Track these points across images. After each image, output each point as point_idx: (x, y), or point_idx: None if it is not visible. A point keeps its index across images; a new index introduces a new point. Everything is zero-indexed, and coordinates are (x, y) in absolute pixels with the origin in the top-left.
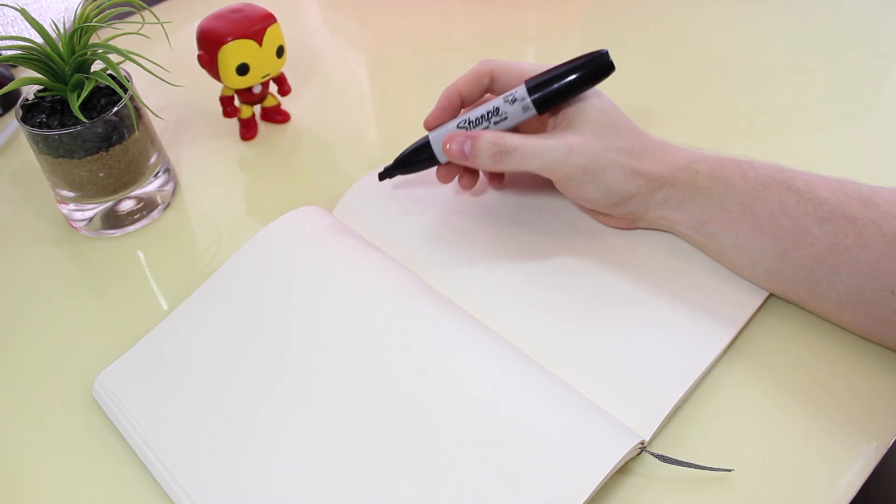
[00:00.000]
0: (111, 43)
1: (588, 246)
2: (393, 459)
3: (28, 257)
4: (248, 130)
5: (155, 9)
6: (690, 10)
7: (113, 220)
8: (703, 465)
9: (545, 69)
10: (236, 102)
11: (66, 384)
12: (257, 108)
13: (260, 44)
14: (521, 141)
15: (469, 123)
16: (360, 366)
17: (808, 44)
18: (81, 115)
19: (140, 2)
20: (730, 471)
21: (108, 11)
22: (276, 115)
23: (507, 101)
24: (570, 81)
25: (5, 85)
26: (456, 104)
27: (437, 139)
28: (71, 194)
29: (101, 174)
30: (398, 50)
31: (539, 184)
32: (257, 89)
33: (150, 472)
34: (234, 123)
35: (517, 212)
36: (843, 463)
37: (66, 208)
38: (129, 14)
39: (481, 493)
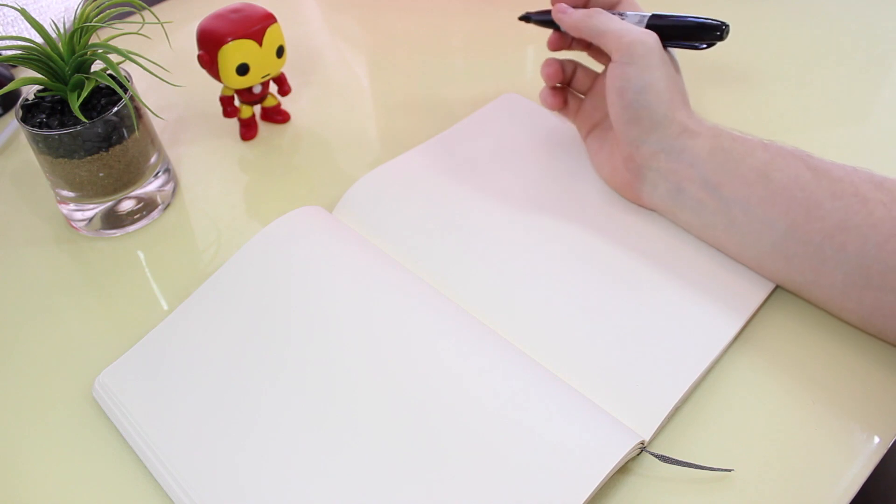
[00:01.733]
0: (111, 43)
1: (588, 246)
2: (392, 460)
3: (28, 257)
4: (248, 130)
5: (155, 9)
6: (691, 9)
7: (113, 220)
8: (703, 465)
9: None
10: (236, 102)
11: (66, 384)
12: (257, 108)
13: (260, 44)
14: (608, 14)
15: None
16: (360, 366)
17: (808, 44)
18: (81, 115)
19: (140, 2)
20: (730, 471)
21: (108, 11)
22: (276, 115)
23: (634, 16)
24: (684, 32)
25: (5, 85)
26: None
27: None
28: (71, 194)
29: (101, 174)
30: (398, 50)
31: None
32: (257, 89)
33: (150, 472)
34: (234, 123)
35: (517, 212)
36: (843, 463)
37: (66, 208)
38: (129, 14)
39: (481, 493)
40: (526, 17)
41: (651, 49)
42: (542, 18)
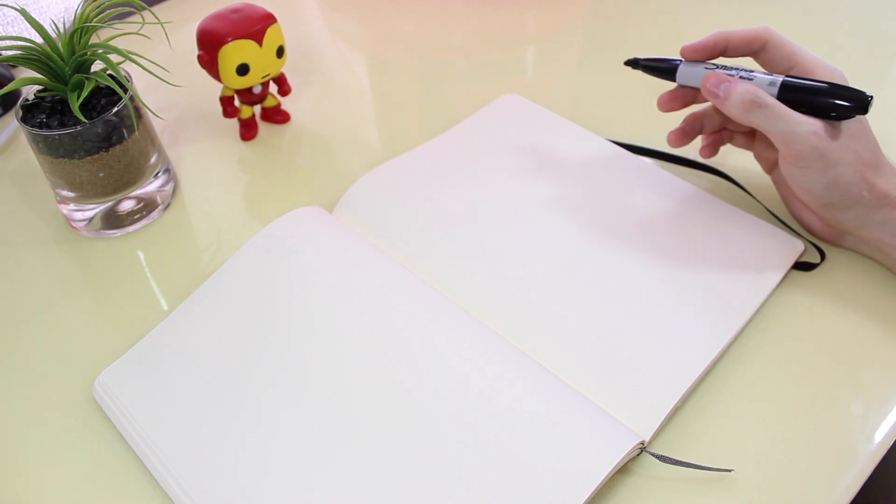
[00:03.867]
0: (111, 43)
1: (587, 246)
2: (392, 460)
3: (28, 257)
4: (248, 130)
5: (155, 9)
6: (691, 9)
7: (113, 220)
8: (703, 465)
9: (814, 64)
10: (236, 102)
11: (66, 384)
12: (257, 109)
13: (260, 44)
14: (773, 101)
15: (718, 68)
16: (360, 366)
17: (808, 43)
18: (81, 115)
19: (140, 2)
20: (730, 471)
21: (108, 11)
22: (276, 115)
23: (764, 78)
24: (820, 104)
25: (5, 85)
26: (719, 47)
27: (684, 70)
28: (71, 194)
29: (101, 174)
30: (398, 50)
31: None
32: (257, 89)
33: (150, 472)
34: (234, 123)
35: (517, 213)
36: (843, 463)
37: (66, 208)
38: (129, 14)
39: (481, 493)
40: (633, 63)
41: (823, 151)
42: (657, 66)
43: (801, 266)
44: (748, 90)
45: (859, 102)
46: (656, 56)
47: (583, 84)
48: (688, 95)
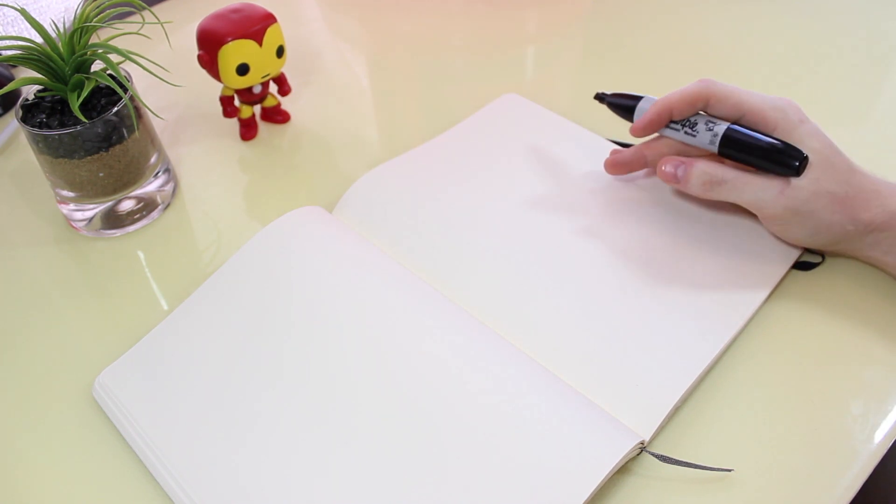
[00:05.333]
0: (111, 43)
1: (587, 246)
2: (392, 460)
3: (28, 257)
4: (248, 130)
5: (155, 9)
6: (691, 9)
7: (113, 220)
8: (703, 465)
9: (763, 108)
10: (236, 102)
11: (66, 384)
12: (257, 108)
13: (260, 44)
14: (732, 174)
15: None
16: (360, 366)
17: (808, 43)
18: (81, 115)
19: (140, 2)
20: (730, 471)
21: (108, 11)
22: (276, 115)
23: (707, 126)
24: (755, 160)
25: (5, 85)
26: (664, 117)
27: (640, 110)
28: (71, 194)
29: (101, 174)
30: (398, 50)
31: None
32: (257, 89)
33: (150, 472)
34: (234, 123)
35: (517, 213)
36: (843, 463)
37: (66, 208)
38: (129, 14)
39: (481, 493)
40: (600, 98)
41: (796, 209)
42: (620, 104)
43: (801, 266)
44: (704, 171)
45: (790, 168)
46: (621, 94)
47: (583, 84)
48: (640, 163)
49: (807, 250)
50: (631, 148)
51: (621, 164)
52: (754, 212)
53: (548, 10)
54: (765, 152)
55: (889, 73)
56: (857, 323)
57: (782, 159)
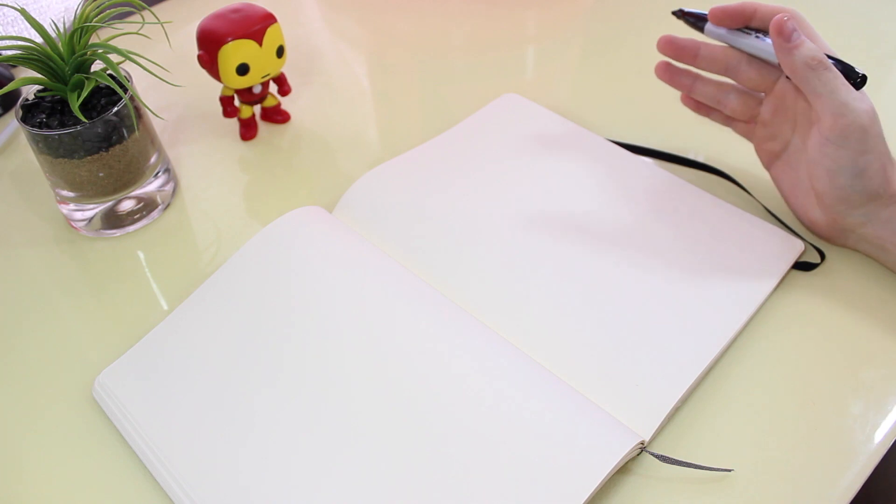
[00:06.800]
0: (111, 43)
1: (587, 246)
2: (392, 460)
3: (28, 257)
4: (248, 130)
5: (155, 9)
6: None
7: (113, 220)
8: (703, 465)
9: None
10: (236, 102)
11: (66, 384)
12: (257, 108)
13: (260, 44)
14: (835, 70)
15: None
16: (359, 366)
17: None
18: (81, 115)
19: (140, 2)
20: (730, 471)
21: (108, 11)
22: (276, 115)
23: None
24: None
25: (5, 85)
26: (748, 14)
27: (710, 26)
28: (71, 194)
29: (101, 174)
30: (398, 50)
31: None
32: (257, 89)
33: (150, 472)
34: (234, 123)
35: (517, 213)
36: (843, 463)
37: (66, 208)
38: (129, 14)
39: (481, 493)
40: (679, 13)
41: (868, 133)
42: (698, 15)
43: (801, 266)
44: (815, 48)
45: (853, 78)
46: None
47: (583, 84)
48: (690, 54)
49: (810, 244)
50: (690, 38)
51: (674, 45)
52: (830, 117)
53: (548, 10)
54: (835, 62)
55: (889, 73)
56: (857, 323)
57: (849, 70)
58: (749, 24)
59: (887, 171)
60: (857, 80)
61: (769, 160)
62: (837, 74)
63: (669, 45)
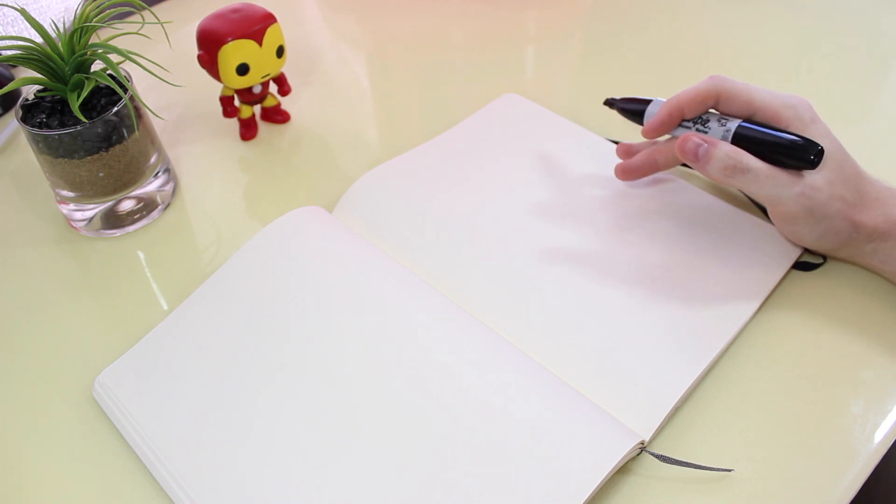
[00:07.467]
0: (111, 43)
1: (587, 246)
2: (392, 460)
3: (28, 257)
4: (248, 130)
5: (155, 9)
6: (690, 9)
7: (113, 220)
8: (703, 465)
9: (775, 106)
10: (236, 102)
11: (66, 384)
12: (257, 108)
13: (260, 44)
14: (756, 164)
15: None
16: (359, 366)
17: (808, 44)
18: (81, 115)
19: (140, 2)
20: (730, 471)
21: (108, 11)
22: (276, 115)
23: (720, 123)
24: (771, 154)
25: (5, 85)
26: (675, 117)
27: (650, 113)
28: (71, 194)
29: (101, 174)
30: (398, 50)
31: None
32: (257, 89)
33: (150, 472)
34: (234, 123)
35: (517, 213)
36: (843, 463)
37: (66, 208)
38: (129, 14)
39: (481, 493)
40: (610, 103)
41: (812, 210)
42: (630, 108)
43: (802, 266)
44: (728, 154)
45: (807, 161)
46: (630, 98)
47: (583, 84)
48: (650, 167)
49: (807, 251)
50: (641, 153)
51: (632, 171)
52: (767, 206)
53: (548, 10)
54: (781, 146)
55: (889, 73)
56: (857, 323)
57: (799, 152)
58: (684, 119)
59: (855, 219)
60: (812, 161)
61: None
62: (759, 170)
63: (627, 173)
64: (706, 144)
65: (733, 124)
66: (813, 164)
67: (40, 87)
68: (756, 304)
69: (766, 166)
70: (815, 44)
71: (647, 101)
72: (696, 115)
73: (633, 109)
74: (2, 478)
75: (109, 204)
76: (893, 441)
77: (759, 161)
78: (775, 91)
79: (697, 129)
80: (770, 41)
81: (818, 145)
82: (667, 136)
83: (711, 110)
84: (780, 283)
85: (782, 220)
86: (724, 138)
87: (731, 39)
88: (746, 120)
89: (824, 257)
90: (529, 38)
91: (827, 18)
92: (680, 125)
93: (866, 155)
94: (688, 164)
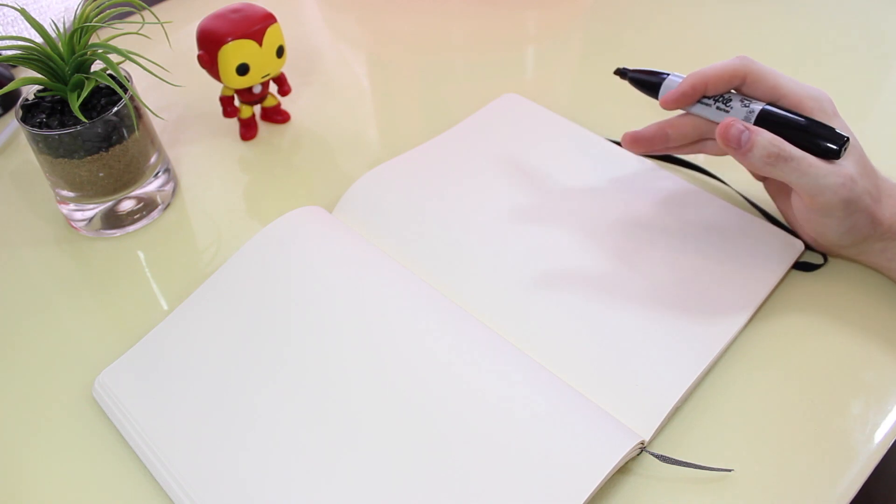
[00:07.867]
0: (111, 43)
1: (588, 246)
2: (392, 460)
3: (28, 257)
4: (248, 130)
5: (155, 9)
6: (690, 9)
7: (113, 220)
8: (703, 465)
9: (800, 95)
10: (236, 102)
11: (66, 384)
12: (257, 108)
13: (260, 44)
14: (799, 153)
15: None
16: (360, 366)
17: (808, 43)
18: (81, 115)
19: (140, 2)
20: (730, 471)
21: (108, 11)
22: (276, 115)
23: (742, 103)
24: (795, 139)
25: (5, 85)
26: (698, 91)
27: (668, 86)
28: (71, 194)
29: (101, 174)
30: (398, 50)
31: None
32: (257, 89)
33: (150, 472)
34: (234, 123)
35: (517, 213)
36: (843, 463)
37: (66, 208)
38: (129, 14)
39: (481, 493)
40: (621, 73)
41: (849, 202)
42: (643, 80)
43: (803, 266)
44: (772, 142)
45: (831, 150)
46: (645, 68)
47: (583, 84)
48: (661, 142)
49: (808, 249)
50: (652, 124)
51: (642, 141)
52: (807, 198)
53: (548, 10)
54: (807, 132)
55: (889, 73)
56: (858, 323)
57: (825, 138)
58: (705, 95)
59: (876, 215)
60: (836, 148)
61: (760, 178)
62: (801, 158)
63: (636, 143)
64: (749, 132)
65: (757, 106)
66: (837, 154)
67: (40, 87)
68: (756, 304)
69: (809, 156)
70: (816, 44)
71: (661, 74)
72: (718, 92)
73: (646, 81)
74: (2, 478)
75: (109, 204)
76: (893, 441)
77: (799, 150)
78: (800, 82)
79: (718, 108)
80: (770, 41)
81: (844, 134)
82: (679, 112)
83: (732, 91)
84: (780, 284)
85: (818, 211)
86: (746, 118)
87: (731, 39)
88: (769, 104)
89: (825, 258)
90: (529, 38)
91: (827, 18)
92: (699, 102)
93: (866, 154)
94: (727, 150)
